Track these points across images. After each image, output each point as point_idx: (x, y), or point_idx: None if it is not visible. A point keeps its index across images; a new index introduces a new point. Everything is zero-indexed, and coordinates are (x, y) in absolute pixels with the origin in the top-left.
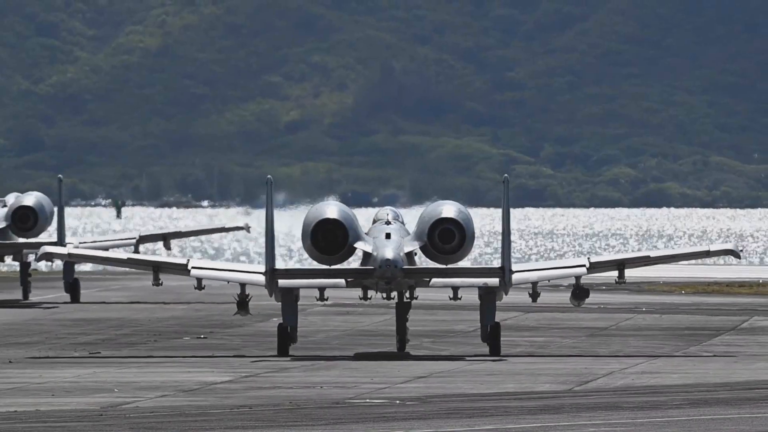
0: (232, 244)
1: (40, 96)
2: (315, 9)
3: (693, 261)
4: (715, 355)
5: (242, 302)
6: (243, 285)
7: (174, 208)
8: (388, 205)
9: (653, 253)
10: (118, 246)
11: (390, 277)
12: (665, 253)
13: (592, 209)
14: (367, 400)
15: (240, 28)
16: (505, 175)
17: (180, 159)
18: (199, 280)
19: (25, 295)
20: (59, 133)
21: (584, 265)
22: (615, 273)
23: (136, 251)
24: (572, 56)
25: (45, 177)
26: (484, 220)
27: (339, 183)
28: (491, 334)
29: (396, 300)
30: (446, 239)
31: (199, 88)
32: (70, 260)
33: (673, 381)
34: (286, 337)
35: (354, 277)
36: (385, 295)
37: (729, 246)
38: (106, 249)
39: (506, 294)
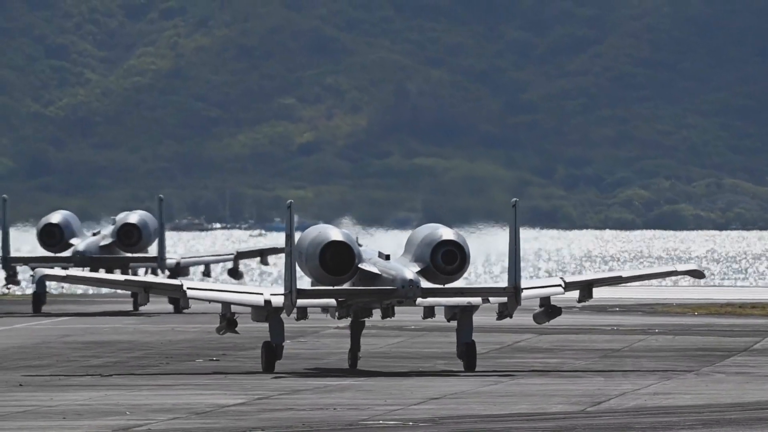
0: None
1: (49, 118)
2: (329, 31)
3: (706, 283)
4: (727, 376)
5: (231, 321)
6: (230, 305)
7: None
8: (401, 227)
9: (625, 273)
10: (217, 261)
11: (412, 297)
12: (635, 273)
13: (606, 231)
14: (381, 422)
15: (253, 50)
16: (515, 198)
17: (192, 182)
18: (185, 300)
19: (135, 306)
20: (69, 156)
21: (560, 285)
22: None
23: (236, 267)
24: (586, 79)
25: (55, 200)
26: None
27: (352, 205)
28: (467, 352)
29: (351, 320)
30: (449, 261)
31: (211, 110)
32: (68, 282)
33: (686, 402)
34: (272, 354)
35: (377, 297)
36: (382, 314)
37: (693, 266)
38: (207, 264)
39: (511, 316)
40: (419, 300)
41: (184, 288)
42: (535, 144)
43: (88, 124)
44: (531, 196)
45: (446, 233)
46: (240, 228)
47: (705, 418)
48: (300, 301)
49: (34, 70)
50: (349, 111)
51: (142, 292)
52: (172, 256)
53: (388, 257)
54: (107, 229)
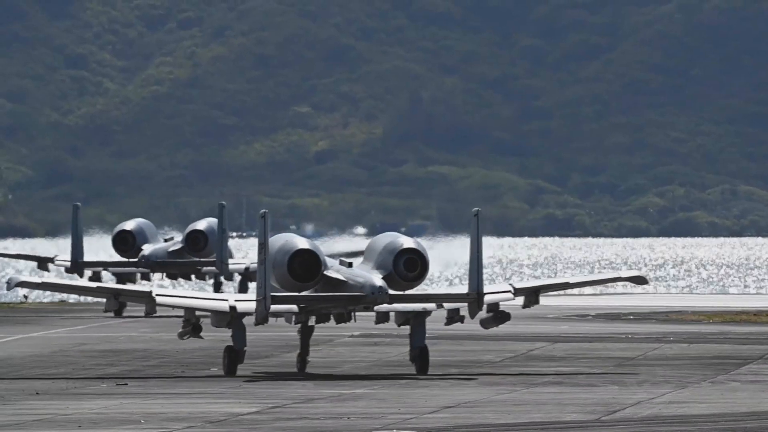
0: None
1: (68, 127)
2: (344, 40)
3: (721, 290)
4: (742, 384)
5: (196, 326)
6: (194, 310)
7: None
8: (415, 235)
9: (572, 279)
10: None
11: (380, 303)
12: (582, 279)
13: (621, 239)
14: (394, 431)
15: (269, 59)
16: (477, 208)
17: (208, 189)
18: (153, 306)
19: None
20: (87, 165)
21: (510, 291)
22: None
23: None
24: (599, 86)
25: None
26: (509, 249)
27: (367, 213)
28: (420, 355)
29: (301, 326)
30: (410, 268)
31: (228, 118)
32: (43, 289)
33: (701, 410)
34: (235, 358)
35: (346, 303)
36: (336, 320)
37: (637, 272)
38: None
39: (473, 317)
40: (386, 306)
41: (153, 294)
42: (549, 151)
43: (107, 133)
44: (546, 204)
45: (407, 242)
46: (256, 236)
47: (720, 427)
48: (273, 307)
49: (53, 80)
50: (364, 119)
51: (112, 298)
52: (242, 261)
53: (350, 265)
54: (180, 236)
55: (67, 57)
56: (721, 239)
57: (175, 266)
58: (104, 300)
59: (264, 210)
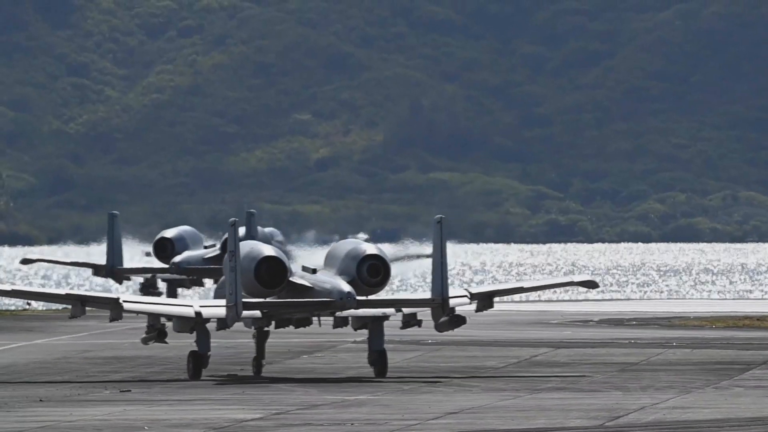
0: None
1: (70, 135)
2: (344, 47)
3: (724, 296)
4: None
5: (162, 332)
6: (159, 316)
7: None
8: (417, 241)
9: (526, 284)
10: None
11: (348, 308)
12: (535, 284)
13: (622, 244)
14: None
15: (269, 67)
16: (440, 215)
17: (210, 197)
18: (119, 313)
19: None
20: (89, 173)
21: (466, 296)
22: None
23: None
24: (599, 92)
25: (76, 216)
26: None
27: (368, 220)
28: (378, 359)
29: (256, 330)
30: (373, 274)
31: (229, 126)
32: (14, 297)
33: (705, 416)
34: (199, 362)
35: (315, 309)
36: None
37: (589, 277)
38: None
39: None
40: (353, 311)
41: (121, 301)
42: (550, 158)
43: (109, 141)
44: (548, 210)
45: (369, 248)
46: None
47: None
48: (244, 312)
49: (55, 88)
50: (365, 126)
51: (79, 305)
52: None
53: (314, 271)
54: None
55: (68, 65)
56: (723, 245)
57: (205, 272)
58: (70, 307)
59: (233, 218)
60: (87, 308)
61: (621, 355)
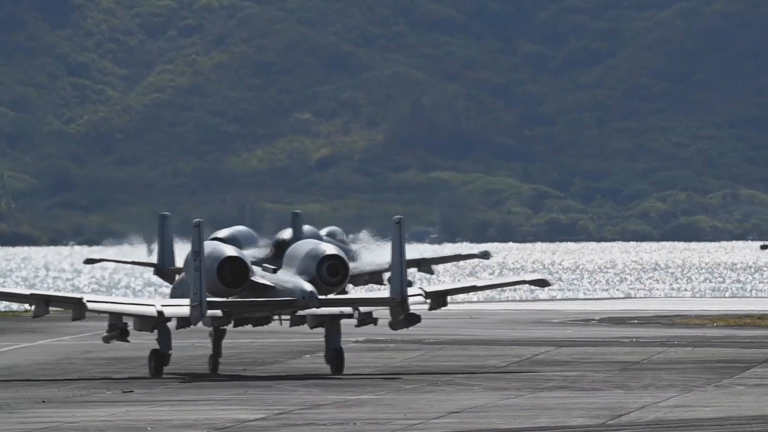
0: None
1: (71, 135)
2: (345, 46)
3: (724, 294)
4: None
5: (124, 331)
6: (121, 315)
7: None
8: (419, 241)
9: (479, 283)
10: (382, 271)
11: (311, 307)
12: (488, 283)
13: (622, 243)
14: None
15: (270, 66)
16: (399, 216)
17: (211, 197)
18: (82, 312)
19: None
20: (90, 173)
21: (422, 294)
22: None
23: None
24: (601, 91)
25: (76, 216)
26: (517, 254)
27: (369, 219)
28: (335, 357)
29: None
30: (333, 273)
31: (229, 125)
32: None
33: (706, 414)
34: (160, 360)
35: (278, 308)
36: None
37: (540, 276)
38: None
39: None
40: (314, 309)
41: (84, 301)
42: (552, 157)
43: (109, 141)
44: (549, 209)
45: (329, 248)
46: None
47: (726, 431)
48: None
49: (55, 88)
50: (366, 126)
51: (42, 305)
52: None
53: (275, 270)
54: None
55: (68, 65)
56: (724, 243)
57: None
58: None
59: (198, 219)
60: (50, 308)
61: (622, 354)
